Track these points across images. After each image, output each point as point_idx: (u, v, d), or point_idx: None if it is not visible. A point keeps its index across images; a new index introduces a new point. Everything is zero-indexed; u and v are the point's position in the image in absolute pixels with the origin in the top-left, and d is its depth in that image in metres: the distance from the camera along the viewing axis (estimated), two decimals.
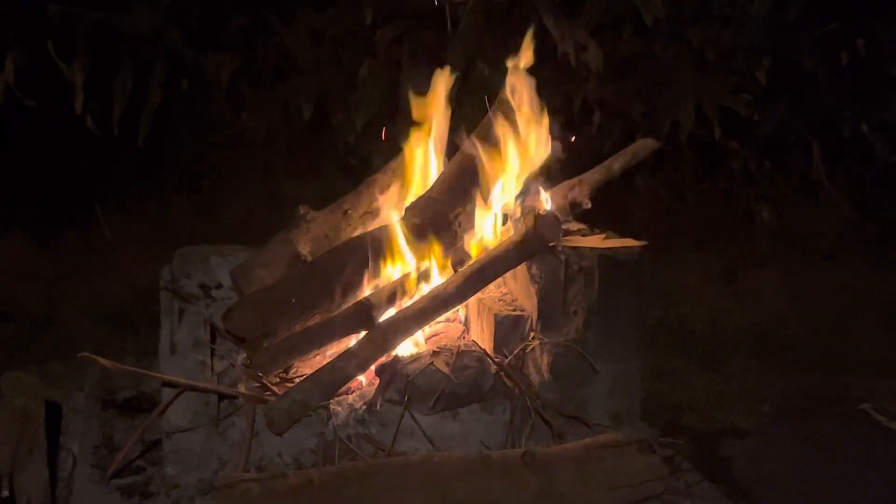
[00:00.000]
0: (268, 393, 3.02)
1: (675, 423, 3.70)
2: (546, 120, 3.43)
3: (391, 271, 3.33)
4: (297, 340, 3.14)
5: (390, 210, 3.51)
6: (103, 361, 2.94)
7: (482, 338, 3.33)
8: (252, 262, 3.41)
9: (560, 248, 3.20)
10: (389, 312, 3.15)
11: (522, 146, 3.42)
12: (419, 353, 3.18)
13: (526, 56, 3.48)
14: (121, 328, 4.51)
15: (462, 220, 3.36)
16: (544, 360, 3.18)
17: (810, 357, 4.40)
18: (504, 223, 3.45)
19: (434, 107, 3.55)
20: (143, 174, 6.04)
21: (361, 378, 3.13)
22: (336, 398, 3.04)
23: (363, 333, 3.09)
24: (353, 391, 3.11)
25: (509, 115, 3.43)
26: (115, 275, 5.17)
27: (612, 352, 3.17)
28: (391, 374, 3.05)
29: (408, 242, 3.30)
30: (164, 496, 2.85)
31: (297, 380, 3.07)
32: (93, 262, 5.37)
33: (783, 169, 6.34)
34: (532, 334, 3.24)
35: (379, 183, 3.63)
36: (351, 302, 3.21)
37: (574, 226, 3.45)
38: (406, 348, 3.23)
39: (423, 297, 3.14)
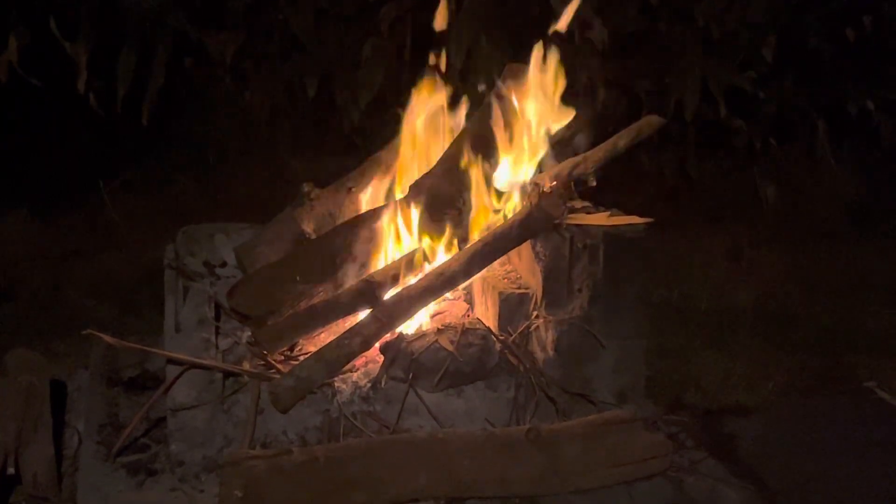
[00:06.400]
0: (272, 370, 3.02)
1: (680, 400, 3.70)
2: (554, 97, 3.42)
3: (396, 249, 3.33)
4: (301, 318, 3.14)
5: (394, 188, 3.51)
6: (108, 339, 2.95)
7: (487, 315, 3.33)
8: (256, 240, 3.42)
9: (565, 226, 3.19)
10: (394, 290, 3.15)
11: (529, 123, 3.41)
12: (424, 331, 3.18)
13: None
14: (125, 306, 4.51)
15: (466, 198, 3.35)
16: (549, 338, 3.18)
17: (815, 335, 4.40)
18: (509, 200, 3.44)
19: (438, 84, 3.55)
20: (148, 153, 6.04)
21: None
22: (341, 376, 3.04)
23: (368, 311, 3.08)
24: (358, 369, 3.11)
25: (515, 92, 3.41)
26: (119, 253, 5.18)
27: (616, 329, 3.16)
28: (396, 351, 3.06)
29: (412, 220, 3.30)
30: (170, 473, 2.86)
31: (302, 357, 3.06)
32: (97, 241, 5.37)
33: (789, 147, 6.33)
34: (536, 312, 3.24)
35: (383, 161, 3.62)
36: (355, 280, 3.21)
37: (579, 203, 3.44)
38: (410, 326, 3.23)
39: (427, 275, 3.14)
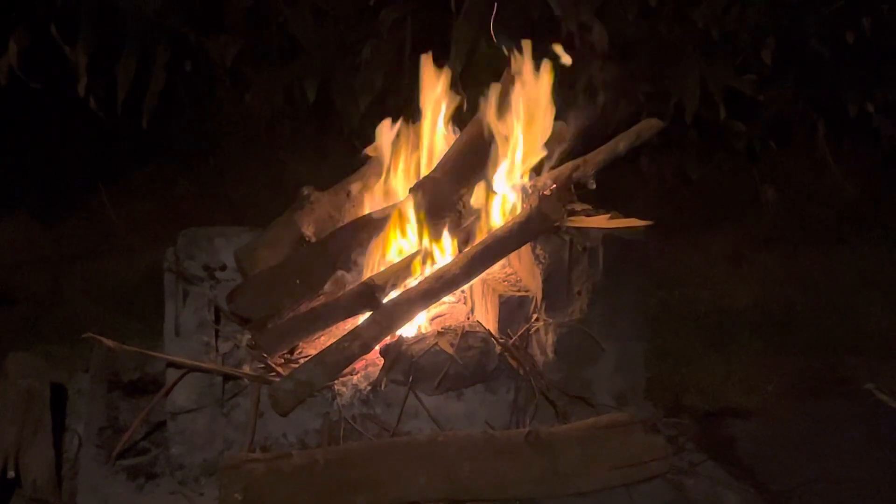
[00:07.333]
0: (272, 374, 3.02)
1: (680, 403, 3.71)
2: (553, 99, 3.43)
3: (396, 252, 3.33)
4: (301, 321, 3.14)
5: (395, 190, 3.51)
6: (108, 342, 2.95)
7: (487, 318, 3.33)
8: (256, 244, 3.42)
9: (564, 229, 3.19)
10: (394, 293, 3.15)
11: (529, 125, 3.41)
12: (424, 334, 3.18)
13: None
14: (125, 310, 4.52)
15: (467, 201, 3.35)
16: (549, 341, 3.18)
17: (815, 337, 4.40)
18: (509, 203, 3.44)
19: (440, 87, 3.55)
20: (148, 156, 6.05)
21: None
22: (341, 379, 3.04)
23: (368, 314, 3.08)
24: (358, 372, 3.11)
25: (515, 94, 3.42)
26: (119, 256, 5.19)
27: (616, 332, 3.17)
28: (396, 354, 3.06)
29: (412, 223, 3.30)
30: (169, 477, 2.86)
31: (302, 361, 3.07)
32: (97, 244, 5.38)
33: (788, 149, 6.33)
34: (536, 315, 3.24)
35: (383, 164, 3.62)
36: (355, 283, 3.21)
37: (579, 206, 3.44)
38: (410, 329, 3.23)
39: (427, 278, 3.14)
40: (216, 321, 3.24)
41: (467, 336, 3.14)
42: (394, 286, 3.16)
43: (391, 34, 5.44)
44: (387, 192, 3.53)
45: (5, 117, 5.42)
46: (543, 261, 3.20)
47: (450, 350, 3.06)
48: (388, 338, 3.10)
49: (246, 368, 3.04)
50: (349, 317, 3.14)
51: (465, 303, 3.54)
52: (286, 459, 2.65)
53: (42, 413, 3.15)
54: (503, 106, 3.41)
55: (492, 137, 3.36)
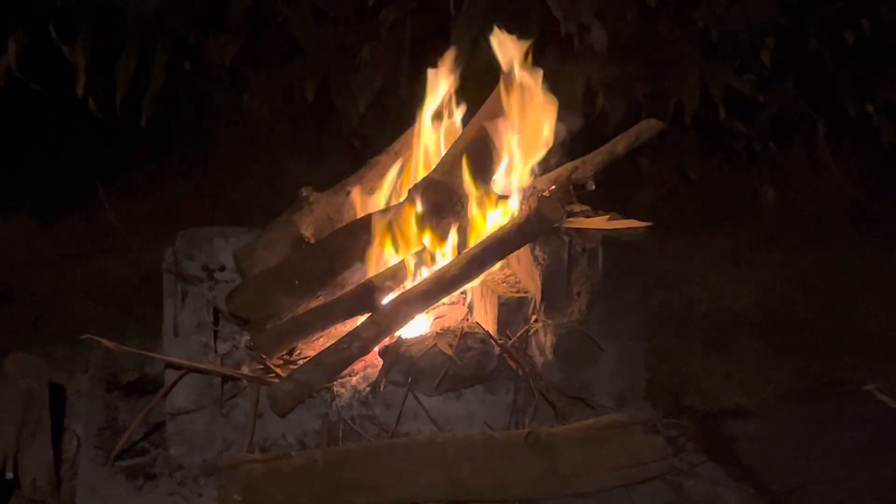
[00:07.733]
0: (271, 375, 3.02)
1: (680, 403, 3.70)
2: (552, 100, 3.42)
3: (395, 253, 3.33)
4: (300, 322, 3.14)
5: (394, 191, 3.51)
6: (107, 343, 2.94)
7: (486, 319, 3.33)
8: (255, 244, 3.41)
9: (563, 230, 3.19)
10: (393, 294, 3.15)
11: (528, 126, 3.40)
12: (423, 335, 3.18)
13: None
14: (124, 310, 4.52)
15: (465, 202, 3.35)
16: (548, 342, 3.17)
17: (815, 338, 4.39)
18: (508, 204, 3.43)
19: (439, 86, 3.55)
20: (147, 156, 6.04)
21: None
22: (340, 380, 3.04)
23: (367, 315, 3.08)
24: (357, 373, 3.11)
25: (514, 94, 3.41)
26: (118, 257, 5.19)
27: (615, 333, 3.16)
28: (395, 355, 3.05)
29: (411, 224, 3.30)
30: (168, 477, 2.86)
31: (301, 361, 3.07)
32: (96, 245, 5.38)
33: (788, 149, 6.32)
34: (535, 316, 3.23)
35: (382, 164, 3.62)
36: (354, 284, 3.21)
37: (578, 207, 3.44)
38: (410, 330, 3.23)
39: (426, 279, 3.13)
40: (215, 322, 3.23)
41: (466, 337, 3.13)
42: (392, 287, 3.16)
43: (391, 34, 5.44)
44: (386, 193, 3.53)
45: (5, 117, 5.43)
46: (542, 262, 3.19)
47: (449, 351, 3.06)
48: (388, 339, 3.10)
49: (245, 369, 3.04)
50: (348, 318, 3.14)
51: (464, 304, 3.53)
52: (285, 460, 2.65)
53: (41, 413, 3.14)
54: (503, 107, 3.40)
55: (492, 138, 3.36)
